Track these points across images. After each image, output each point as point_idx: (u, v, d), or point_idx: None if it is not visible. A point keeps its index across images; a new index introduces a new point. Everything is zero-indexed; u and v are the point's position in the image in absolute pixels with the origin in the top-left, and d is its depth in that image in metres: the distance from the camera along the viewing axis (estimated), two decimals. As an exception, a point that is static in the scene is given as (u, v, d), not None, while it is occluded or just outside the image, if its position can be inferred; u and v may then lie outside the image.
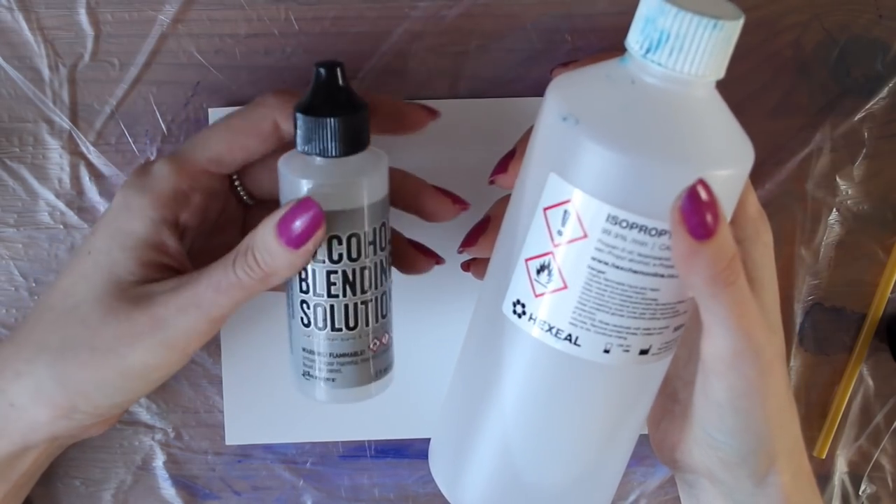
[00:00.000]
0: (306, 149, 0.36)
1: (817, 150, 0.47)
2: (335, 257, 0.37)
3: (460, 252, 0.41)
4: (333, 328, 0.38)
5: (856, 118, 0.46)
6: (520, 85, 0.45)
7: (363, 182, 0.36)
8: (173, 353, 0.37)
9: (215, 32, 0.43)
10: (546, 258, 0.33)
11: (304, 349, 0.39)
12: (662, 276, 0.32)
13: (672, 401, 0.39)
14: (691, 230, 0.29)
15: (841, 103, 0.46)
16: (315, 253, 0.36)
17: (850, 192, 0.47)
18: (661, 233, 0.31)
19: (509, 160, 0.39)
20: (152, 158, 0.45)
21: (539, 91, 0.45)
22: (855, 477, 0.51)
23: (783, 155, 0.47)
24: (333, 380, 0.38)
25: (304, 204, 0.35)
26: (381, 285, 0.38)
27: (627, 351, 0.33)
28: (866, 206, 0.48)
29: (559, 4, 0.44)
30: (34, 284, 0.46)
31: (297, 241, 0.35)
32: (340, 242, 0.36)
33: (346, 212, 0.36)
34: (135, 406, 0.47)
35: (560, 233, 0.32)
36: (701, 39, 0.30)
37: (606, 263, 0.32)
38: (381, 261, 0.38)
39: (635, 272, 0.32)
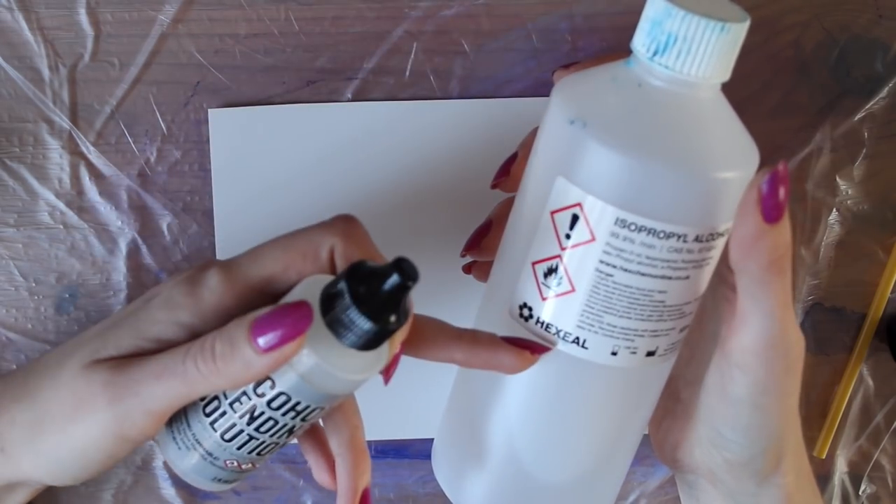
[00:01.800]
0: (331, 324, 0.32)
1: (817, 150, 0.47)
2: (271, 404, 0.33)
3: (463, 256, 0.41)
4: (213, 426, 0.34)
5: (856, 118, 0.46)
6: (520, 85, 0.45)
7: (356, 383, 0.33)
8: (107, 436, 0.34)
9: (215, 32, 0.43)
10: (553, 261, 0.33)
11: (185, 418, 0.35)
12: (670, 278, 0.32)
13: (674, 400, 0.39)
14: (767, 211, 0.30)
15: (841, 103, 0.46)
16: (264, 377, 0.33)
17: (850, 192, 0.47)
18: (668, 235, 0.31)
19: (511, 164, 0.39)
20: (151, 161, 0.45)
21: (539, 91, 0.45)
22: (855, 477, 0.51)
23: (783, 155, 0.47)
24: (179, 449, 0.35)
25: (295, 308, 0.31)
26: (280, 440, 0.35)
27: (634, 353, 0.33)
28: (866, 206, 0.48)
29: (559, 4, 0.44)
30: (34, 284, 0.46)
31: (267, 345, 0.31)
32: (287, 398, 0.33)
33: (316, 390, 0.33)
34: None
35: (568, 236, 0.32)
36: (708, 42, 0.30)
37: (614, 266, 0.32)
38: (299, 428, 0.35)
39: (643, 275, 0.32)
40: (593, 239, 0.32)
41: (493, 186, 0.40)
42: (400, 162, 0.45)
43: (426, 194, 0.45)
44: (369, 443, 0.49)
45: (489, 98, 0.45)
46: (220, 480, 0.36)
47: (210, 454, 0.35)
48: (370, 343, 0.32)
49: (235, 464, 0.36)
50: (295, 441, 0.37)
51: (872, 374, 0.50)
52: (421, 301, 0.46)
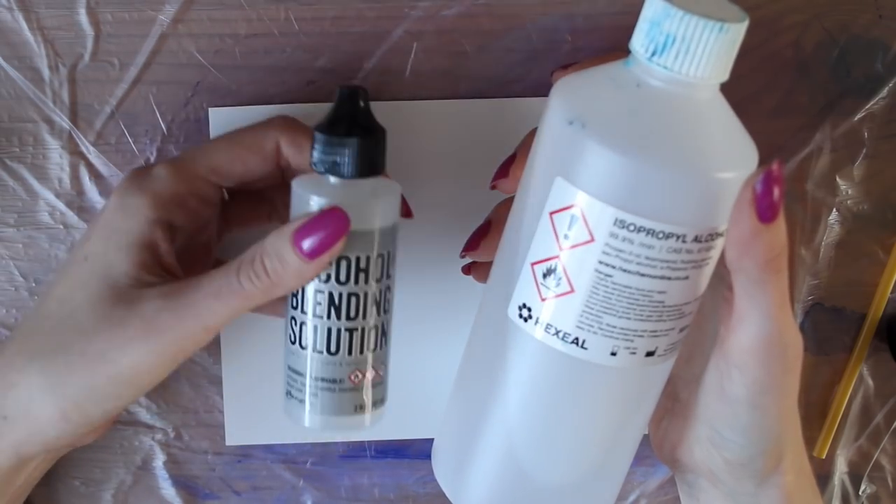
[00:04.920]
0: (323, 168, 0.36)
1: (817, 150, 0.47)
2: (339, 277, 0.36)
3: (462, 256, 0.41)
4: (315, 349, 0.37)
5: (856, 118, 0.46)
6: (520, 85, 0.45)
7: (377, 205, 0.36)
8: (164, 359, 0.37)
9: (215, 32, 0.43)
10: (552, 262, 0.33)
11: (289, 367, 0.38)
12: (670, 278, 0.32)
13: (673, 400, 0.39)
14: (761, 211, 0.30)
15: (841, 103, 0.46)
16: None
17: (850, 192, 0.47)
18: (668, 236, 0.31)
19: (510, 164, 0.39)
20: (151, 160, 0.45)
21: (539, 91, 0.45)
22: (855, 477, 0.51)
23: (783, 155, 0.47)
24: (311, 403, 0.37)
25: (330, 213, 0.35)
26: (374, 317, 0.37)
27: (634, 353, 0.33)
28: (866, 206, 0.48)
29: (559, 4, 0.44)
30: (34, 284, 0.46)
31: (313, 252, 0.34)
32: (341, 263, 0.36)
33: (355, 233, 0.35)
34: (134, 406, 0.47)
35: (566, 237, 0.32)
36: (707, 42, 0.30)
37: (614, 267, 0.32)
38: (380, 291, 0.37)
39: (643, 275, 0.32)
40: (592, 239, 0.32)
41: (492, 187, 0.40)
42: (400, 162, 0.45)
43: (426, 194, 0.45)
44: (370, 443, 0.49)
45: (489, 98, 0.45)
46: (361, 407, 0.38)
47: (332, 380, 0.37)
48: (365, 162, 0.36)
49: (359, 375, 0.37)
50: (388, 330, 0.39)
51: (872, 374, 0.50)
52: (420, 298, 0.46)
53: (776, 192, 0.30)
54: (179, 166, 0.39)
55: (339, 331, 0.36)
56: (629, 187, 0.31)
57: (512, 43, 0.45)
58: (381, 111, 0.45)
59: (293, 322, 0.37)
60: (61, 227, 0.45)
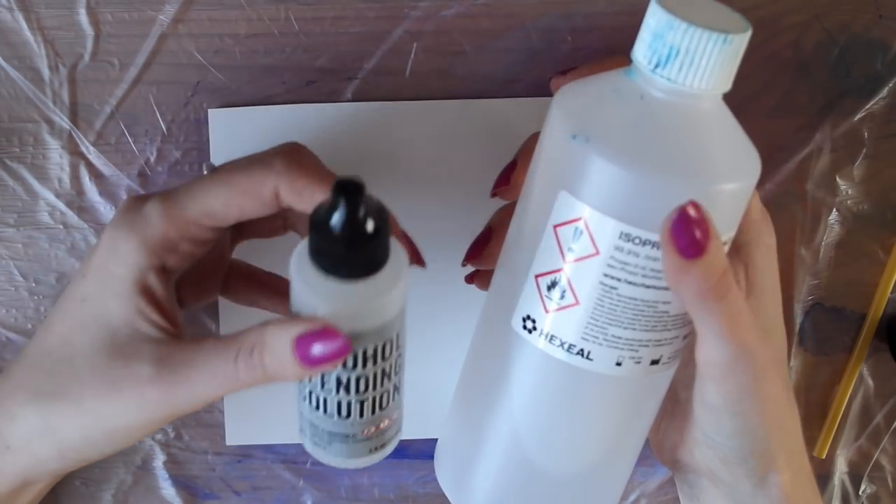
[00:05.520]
0: (324, 269, 0.32)
1: (817, 150, 0.47)
2: (346, 364, 0.34)
3: (464, 265, 0.41)
4: (325, 412, 0.35)
5: (856, 118, 0.46)
6: (520, 85, 0.45)
7: (386, 301, 0.33)
8: (156, 422, 0.36)
9: (215, 32, 0.43)
10: (557, 275, 0.33)
11: (301, 412, 0.37)
12: None
13: (673, 402, 0.39)
14: (680, 250, 0.30)
15: (841, 103, 0.46)
16: None
17: (850, 192, 0.47)
18: None
19: (511, 172, 0.39)
20: (151, 161, 0.45)
21: (538, 91, 0.45)
22: (855, 477, 0.51)
23: (783, 155, 0.47)
24: (326, 449, 0.37)
25: (327, 333, 0.32)
26: (385, 384, 0.36)
27: (639, 363, 0.33)
28: (866, 206, 0.48)
29: (559, 4, 0.44)
30: (34, 284, 0.46)
31: (314, 362, 0.33)
32: (353, 353, 0.34)
33: (363, 332, 0.33)
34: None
35: (571, 250, 0.32)
36: (711, 54, 0.30)
37: (619, 279, 0.32)
38: (390, 365, 0.35)
39: (647, 287, 0.32)
40: (597, 252, 0.32)
41: (493, 195, 0.39)
42: (400, 162, 0.45)
43: (426, 194, 0.45)
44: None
45: (489, 98, 0.45)
46: (376, 448, 0.37)
47: (345, 435, 0.36)
48: (368, 264, 0.32)
49: (373, 429, 0.36)
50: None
51: (872, 374, 0.50)
52: (422, 300, 0.46)
53: (697, 231, 0.30)
54: (170, 209, 0.37)
55: (349, 402, 0.35)
56: (634, 201, 0.31)
57: (511, 43, 0.45)
58: (382, 111, 0.45)
59: (302, 385, 0.36)
60: (61, 227, 0.45)
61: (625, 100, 0.32)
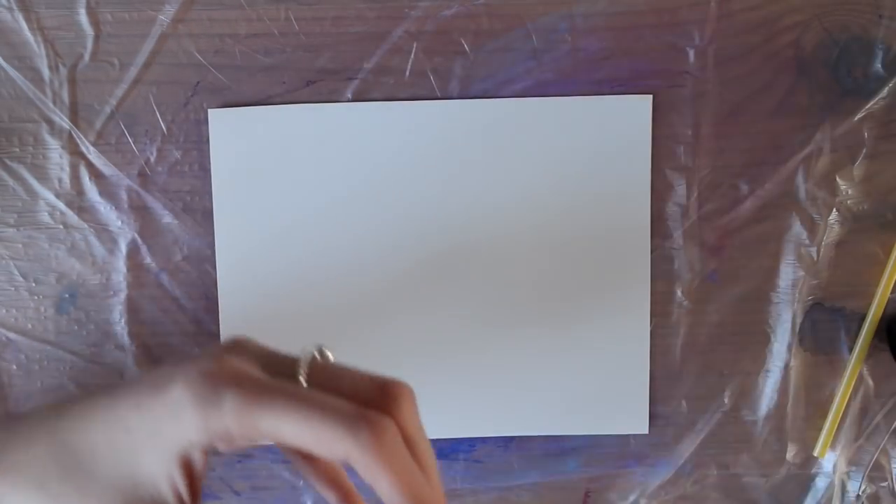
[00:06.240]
0: None
1: (817, 150, 0.47)
2: None
3: None
4: None
5: (856, 118, 0.46)
6: (520, 85, 0.45)
7: None
8: None
9: (215, 32, 0.43)
10: None
11: None
12: None
13: None
14: None
15: (841, 103, 0.46)
16: None
17: (850, 192, 0.47)
18: None
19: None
20: (152, 160, 0.45)
21: (539, 91, 0.45)
22: (855, 477, 0.51)
23: (783, 155, 0.47)
24: None
25: None
26: None
27: None
28: (866, 206, 0.48)
29: (559, 4, 0.44)
30: (34, 284, 0.46)
31: None
32: None
33: None
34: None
35: None
36: None
37: None
38: None
39: None
40: None
41: None
42: (400, 162, 0.45)
43: (426, 194, 0.45)
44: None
45: (489, 98, 0.45)
46: None
47: None
48: None
49: None
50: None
51: (872, 374, 0.50)
52: (422, 299, 0.46)
53: None
54: (246, 416, 0.35)
55: None
56: None
57: (512, 43, 0.45)
58: (381, 111, 0.45)
59: None
60: (61, 227, 0.45)
61: None
